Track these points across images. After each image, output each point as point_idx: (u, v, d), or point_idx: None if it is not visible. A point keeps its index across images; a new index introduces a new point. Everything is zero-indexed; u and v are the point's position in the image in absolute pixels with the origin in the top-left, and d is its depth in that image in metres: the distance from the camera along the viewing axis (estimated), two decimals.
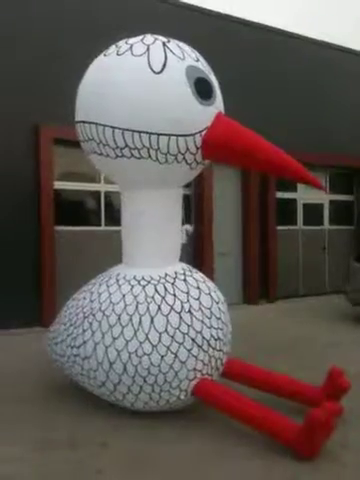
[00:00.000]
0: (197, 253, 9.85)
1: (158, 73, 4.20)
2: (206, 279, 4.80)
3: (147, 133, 4.19)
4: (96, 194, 9.12)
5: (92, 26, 8.41)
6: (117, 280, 4.57)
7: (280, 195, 11.39)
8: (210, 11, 10.24)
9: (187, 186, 9.80)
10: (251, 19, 10.90)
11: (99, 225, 9.09)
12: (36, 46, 8.29)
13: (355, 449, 4.02)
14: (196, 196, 10.14)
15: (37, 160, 8.34)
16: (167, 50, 4.30)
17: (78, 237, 8.80)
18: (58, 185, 8.66)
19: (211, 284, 4.79)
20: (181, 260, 4.93)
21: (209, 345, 4.44)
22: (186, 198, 9.89)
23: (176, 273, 4.58)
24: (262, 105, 10.61)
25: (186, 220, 9.65)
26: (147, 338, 4.25)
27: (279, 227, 11.30)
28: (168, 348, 4.25)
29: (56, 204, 8.54)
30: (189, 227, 4.92)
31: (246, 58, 10.59)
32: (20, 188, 8.24)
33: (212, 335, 4.46)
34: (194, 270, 4.82)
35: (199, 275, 4.77)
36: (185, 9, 9.77)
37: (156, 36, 4.44)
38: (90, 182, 8.80)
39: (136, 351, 4.25)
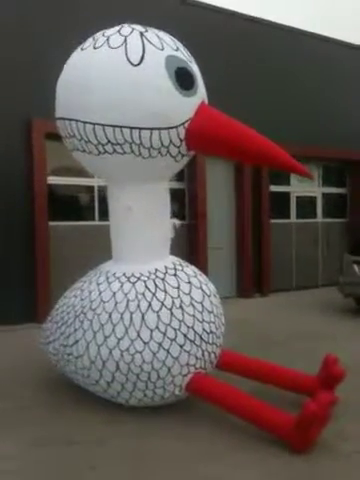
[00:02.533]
0: (191, 248, 9.80)
1: (136, 65, 4.09)
2: (197, 273, 4.74)
3: (128, 128, 4.10)
4: (90, 189, 9.06)
5: (86, 19, 8.24)
6: (107, 277, 4.53)
7: (273, 188, 11.33)
8: (208, 5, 10.08)
9: (180, 180, 9.91)
10: (250, 14, 10.79)
11: (93, 220, 9.04)
12: (28, 39, 8.17)
13: (352, 440, 3.99)
14: (189, 190, 10.08)
15: (30, 155, 8.27)
16: (145, 40, 4.18)
17: (72, 232, 8.75)
18: (51, 180, 8.60)
19: (203, 278, 4.73)
20: (175, 255, 4.87)
21: (201, 339, 4.40)
22: (179, 192, 10.01)
23: (166, 268, 4.52)
24: (256, 98, 10.49)
25: (180, 215, 9.68)
26: (138, 335, 4.21)
27: (272, 220, 11.25)
28: (160, 345, 4.22)
29: (50, 199, 8.48)
30: (177, 221, 4.84)
31: (243, 52, 10.46)
32: (13, 183, 8.18)
33: (204, 329, 4.42)
34: (185, 264, 4.76)
35: (190, 269, 4.71)
36: (183, 3, 9.63)
37: (133, 26, 4.31)
38: (83, 177, 8.71)
39: (128, 349, 4.22)
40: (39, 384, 5.31)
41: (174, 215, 4.98)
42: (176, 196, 9.71)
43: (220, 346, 4.72)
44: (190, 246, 9.80)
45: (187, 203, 10.10)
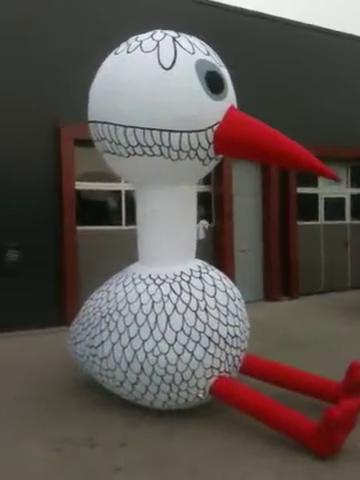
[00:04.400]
0: (217, 250, 9.78)
1: (168, 69, 4.17)
2: (222, 276, 4.74)
3: (158, 130, 4.16)
4: (117, 193, 9.14)
5: (114, 25, 8.40)
6: (133, 279, 4.56)
7: (301, 190, 11.22)
8: (222, 4, 10.05)
9: (207, 183, 9.92)
10: (268, 12, 10.77)
11: (120, 224, 9.11)
12: (57, 46, 8.32)
13: None
14: (215, 193, 10.08)
15: (58, 161, 8.40)
16: (177, 45, 4.26)
17: (100, 237, 8.82)
18: (79, 185, 8.71)
19: (227, 281, 4.72)
20: (201, 257, 4.88)
21: (226, 343, 4.39)
22: (206, 195, 10.02)
23: (192, 271, 4.53)
24: (280, 99, 10.45)
25: (206, 217, 9.60)
26: (163, 337, 4.23)
27: (300, 223, 11.13)
28: (184, 347, 4.22)
29: (77, 204, 8.58)
30: (206, 222, 4.87)
31: (262, 51, 10.42)
32: (42, 189, 8.31)
33: (229, 332, 4.41)
34: (210, 267, 4.77)
35: (215, 272, 4.72)
36: (197, 3, 9.62)
37: (166, 31, 4.40)
38: (111, 182, 8.82)
39: (153, 350, 4.23)
40: (67, 386, 5.36)
41: (203, 217, 5.00)
42: (202, 199, 9.73)
43: (244, 350, 4.69)
44: (216, 248, 9.78)
45: (213, 205, 10.08)
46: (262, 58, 10.41)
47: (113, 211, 9.30)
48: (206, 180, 9.76)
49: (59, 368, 5.86)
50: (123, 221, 9.13)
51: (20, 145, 8.12)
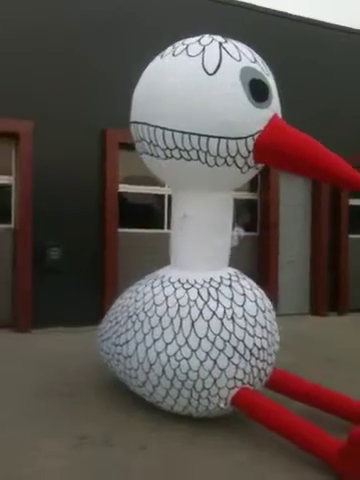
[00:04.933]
0: (261, 260, 9.62)
1: (211, 74, 4.15)
2: (254, 286, 4.67)
3: (197, 135, 4.15)
4: (160, 197, 9.19)
5: (160, 29, 8.45)
6: (162, 282, 4.57)
7: (353, 202, 10.86)
8: (253, 6, 9.79)
9: (253, 191, 9.81)
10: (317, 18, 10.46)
11: (162, 228, 9.14)
12: (102, 50, 8.46)
13: None
14: (262, 201, 9.92)
15: (103, 164, 8.54)
16: (223, 51, 4.24)
17: (141, 240, 8.89)
18: (122, 188, 8.81)
19: (259, 291, 4.65)
20: (244, 267, 4.81)
21: (251, 354, 4.31)
22: (251, 203, 9.90)
23: (222, 278, 4.49)
24: (326, 107, 10.13)
25: (250, 226, 9.33)
26: (187, 342, 4.20)
27: (351, 236, 10.77)
28: (208, 354, 4.18)
29: (120, 207, 8.68)
30: (241, 229, 4.81)
31: (312, 57, 10.11)
32: (87, 190, 8.45)
33: (255, 344, 4.33)
34: (242, 276, 4.70)
35: (246, 281, 4.65)
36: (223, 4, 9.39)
37: (214, 36, 4.39)
38: (154, 185, 8.87)
39: (175, 354, 4.22)
40: (95, 384, 5.39)
41: (242, 225, 4.94)
42: (248, 206, 9.66)
43: (272, 364, 4.59)
44: (260, 258, 9.63)
45: (259, 214, 9.93)
46: (308, 64, 10.09)
47: (155, 214, 9.35)
48: (252, 187, 9.65)
49: (90, 366, 5.88)
50: (165, 225, 9.16)
51: (67, 147, 8.28)
